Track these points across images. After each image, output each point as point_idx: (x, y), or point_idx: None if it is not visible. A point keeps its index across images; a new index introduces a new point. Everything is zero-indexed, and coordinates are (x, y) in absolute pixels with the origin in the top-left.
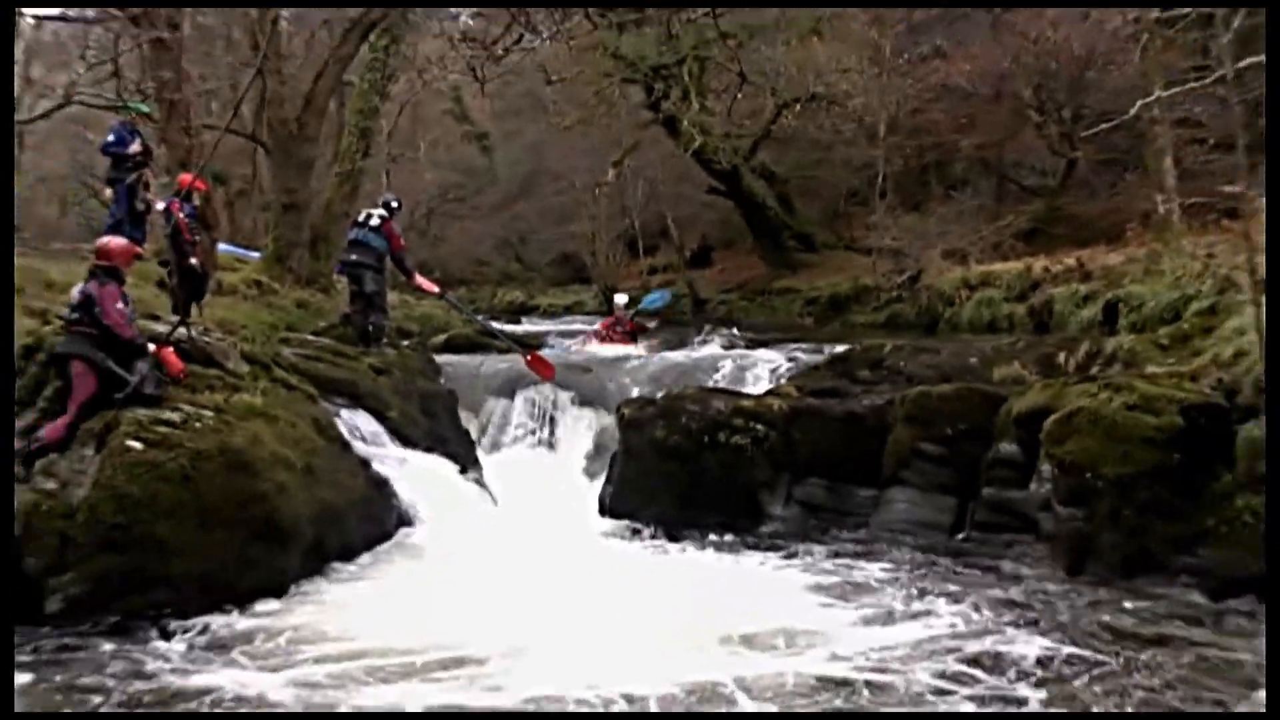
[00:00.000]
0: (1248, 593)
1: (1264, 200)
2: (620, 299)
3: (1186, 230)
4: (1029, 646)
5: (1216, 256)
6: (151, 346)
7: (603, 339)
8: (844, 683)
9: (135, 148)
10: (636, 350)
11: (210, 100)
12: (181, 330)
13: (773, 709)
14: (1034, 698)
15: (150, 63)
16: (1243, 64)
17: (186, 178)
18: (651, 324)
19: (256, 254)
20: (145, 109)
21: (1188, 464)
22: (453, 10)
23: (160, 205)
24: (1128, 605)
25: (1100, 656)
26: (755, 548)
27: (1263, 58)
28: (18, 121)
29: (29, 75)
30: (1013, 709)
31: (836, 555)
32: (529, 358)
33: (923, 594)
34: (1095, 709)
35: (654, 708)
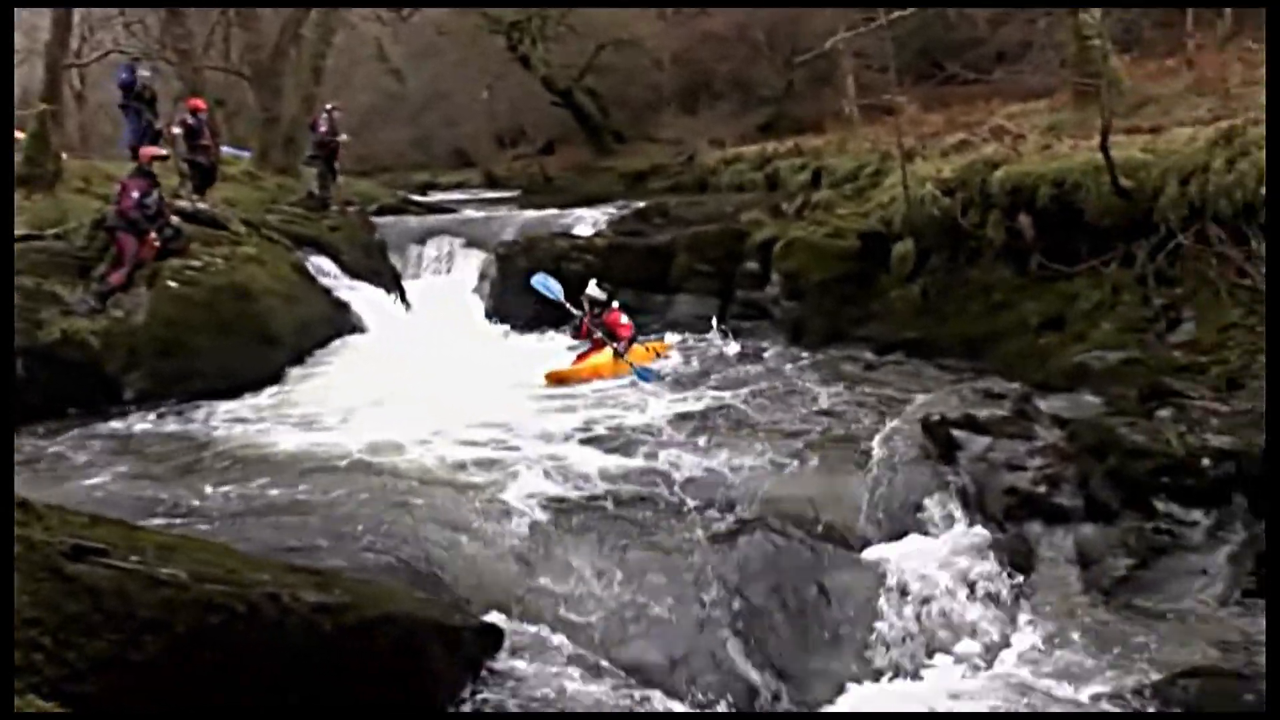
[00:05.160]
0: (898, 351)
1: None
2: (594, 290)
3: (861, 123)
4: (767, 378)
5: (879, 138)
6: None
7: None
8: (639, 402)
9: (124, 77)
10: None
11: (210, 48)
12: (201, 205)
13: (571, 446)
14: (767, 401)
15: (167, 22)
16: (894, 15)
17: (195, 101)
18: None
19: (248, 153)
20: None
21: (862, 271)
22: None
23: (177, 126)
24: (827, 359)
25: (810, 384)
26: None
27: (910, 10)
28: (74, 64)
29: (83, 34)
30: (756, 406)
31: (641, 337)
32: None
33: (700, 357)
34: (799, 401)
35: (498, 430)
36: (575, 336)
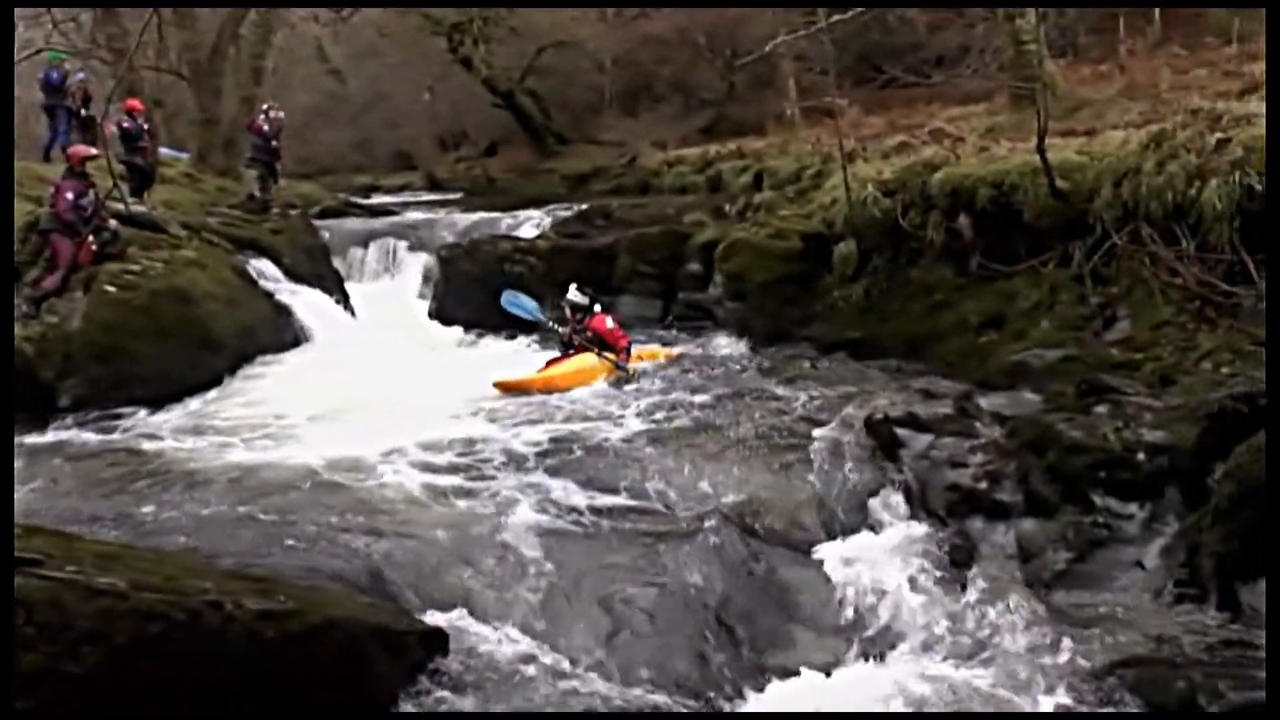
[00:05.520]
0: (841, 351)
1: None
2: (574, 295)
3: (803, 125)
4: (709, 379)
5: (821, 141)
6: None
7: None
8: (591, 405)
9: (52, 76)
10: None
11: (146, 48)
12: (139, 208)
13: (527, 444)
14: (712, 402)
15: (101, 20)
16: (834, 19)
17: (132, 102)
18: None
19: (187, 154)
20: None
21: (804, 271)
22: None
23: (114, 126)
24: (771, 360)
25: (753, 385)
26: (536, 339)
27: (850, 13)
28: None
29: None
30: (703, 408)
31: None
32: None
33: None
34: (742, 403)
35: (444, 435)
36: (565, 350)
